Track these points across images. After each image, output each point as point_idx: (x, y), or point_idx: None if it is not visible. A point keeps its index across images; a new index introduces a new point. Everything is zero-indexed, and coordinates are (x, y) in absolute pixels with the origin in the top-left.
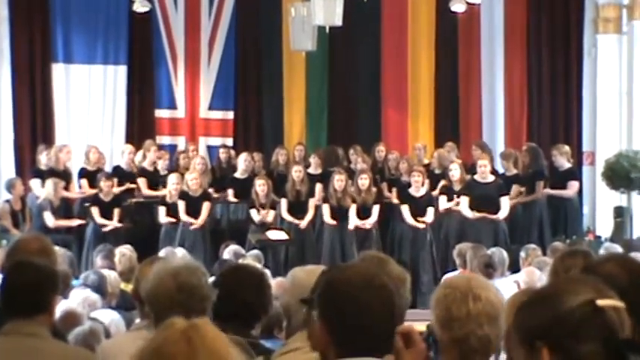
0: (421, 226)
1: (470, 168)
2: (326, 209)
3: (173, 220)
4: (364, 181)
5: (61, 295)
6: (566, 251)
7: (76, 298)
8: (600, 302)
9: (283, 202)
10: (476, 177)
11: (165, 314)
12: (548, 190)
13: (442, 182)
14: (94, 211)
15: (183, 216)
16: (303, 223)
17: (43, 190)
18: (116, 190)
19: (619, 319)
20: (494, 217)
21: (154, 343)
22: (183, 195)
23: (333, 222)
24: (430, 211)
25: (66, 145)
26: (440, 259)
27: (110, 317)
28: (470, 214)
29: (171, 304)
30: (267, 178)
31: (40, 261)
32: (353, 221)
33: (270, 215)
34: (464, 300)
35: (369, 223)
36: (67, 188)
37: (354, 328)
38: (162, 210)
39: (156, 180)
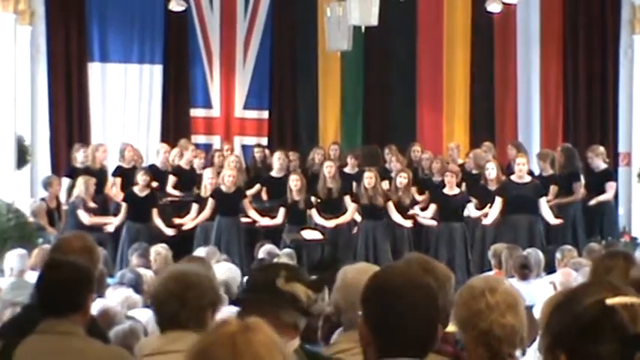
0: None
1: (505, 169)
2: (352, 209)
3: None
4: (402, 179)
5: (96, 293)
6: (606, 252)
7: (117, 297)
8: (610, 301)
9: (313, 200)
10: (512, 177)
11: (163, 313)
12: (592, 202)
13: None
14: (123, 207)
15: (205, 213)
16: (337, 221)
17: (77, 185)
18: (154, 184)
19: (631, 316)
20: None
21: (203, 343)
22: (215, 193)
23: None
24: (470, 206)
25: (102, 144)
26: (476, 259)
27: (147, 315)
28: (490, 221)
29: (167, 303)
30: (303, 175)
31: (76, 259)
32: (396, 217)
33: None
34: (481, 294)
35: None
36: (103, 187)
37: (395, 329)
38: (194, 208)
39: (192, 178)
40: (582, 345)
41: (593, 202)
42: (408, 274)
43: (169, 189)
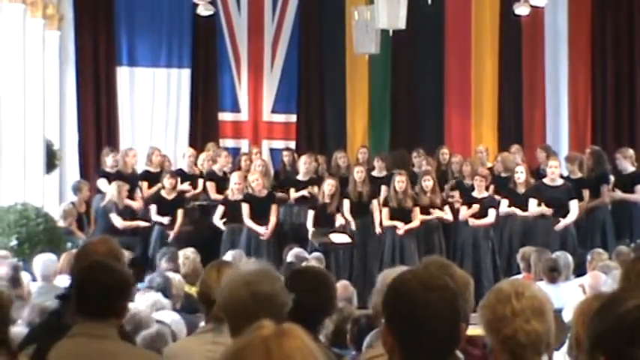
0: (478, 222)
1: (534, 171)
2: (385, 213)
3: (226, 224)
4: (428, 182)
5: None
6: (637, 256)
7: (146, 301)
8: None
9: (346, 203)
10: (545, 180)
11: (240, 323)
12: (618, 193)
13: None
14: (153, 209)
15: (247, 221)
16: (378, 229)
17: (109, 189)
18: (183, 187)
19: None
20: (564, 223)
21: (236, 346)
22: (247, 197)
23: (395, 223)
24: (492, 212)
25: (132, 149)
26: (503, 263)
27: (170, 318)
28: (536, 209)
29: (246, 314)
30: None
31: (117, 264)
32: (416, 221)
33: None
34: (507, 299)
35: (446, 218)
36: (134, 191)
37: (417, 331)
38: (219, 210)
39: (224, 184)
40: (622, 348)
41: (619, 195)
42: (423, 277)
43: (213, 194)
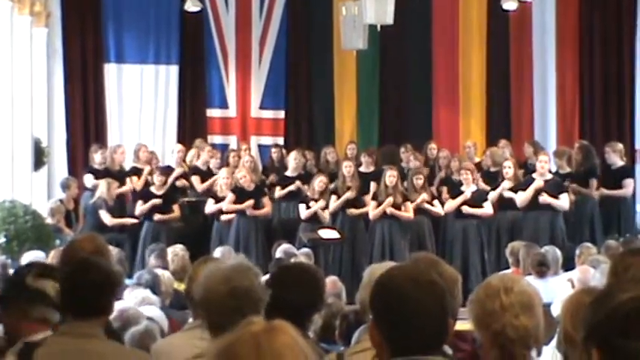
0: (473, 211)
1: (522, 166)
2: (373, 207)
3: (220, 209)
4: (419, 180)
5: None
6: (626, 250)
7: (134, 298)
8: None
9: (333, 198)
10: (534, 175)
11: (220, 319)
12: (605, 191)
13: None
14: (138, 204)
15: (228, 206)
16: (354, 211)
17: (95, 185)
18: (176, 172)
19: None
20: (552, 201)
21: (226, 341)
22: (235, 189)
23: (387, 201)
24: (487, 204)
25: (120, 146)
26: (493, 257)
27: (152, 314)
28: (524, 195)
29: (224, 310)
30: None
31: (104, 262)
32: (410, 213)
33: (318, 206)
34: (496, 294)
35: (435, 211)
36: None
37: (405, 327)
38: (210, 201)
39: (208, 178)
40: (614, 339)
41: (605, 192)
42: (411, 272)
43: (198, 186)
